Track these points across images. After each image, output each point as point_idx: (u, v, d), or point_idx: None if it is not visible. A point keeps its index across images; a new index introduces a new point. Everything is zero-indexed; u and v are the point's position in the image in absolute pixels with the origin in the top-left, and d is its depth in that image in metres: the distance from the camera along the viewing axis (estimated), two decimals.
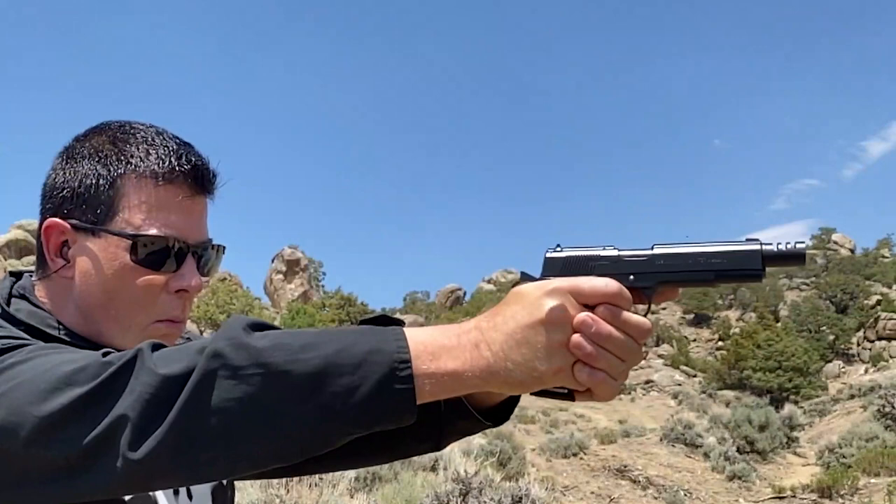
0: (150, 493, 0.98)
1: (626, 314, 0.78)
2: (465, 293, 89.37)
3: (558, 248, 0.86)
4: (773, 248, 0.81)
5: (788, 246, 0.81)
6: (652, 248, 0.84)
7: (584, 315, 0.77)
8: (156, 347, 0.77)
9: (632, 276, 0.83)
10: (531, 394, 0.82)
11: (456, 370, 0.75)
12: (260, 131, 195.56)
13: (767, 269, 0.82)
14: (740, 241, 0.83)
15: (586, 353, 0.76)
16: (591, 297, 0.78)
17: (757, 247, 0.81)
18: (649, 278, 0.83)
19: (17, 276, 1.06)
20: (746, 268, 0.81)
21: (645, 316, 0.81)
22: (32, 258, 1.06)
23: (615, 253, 0.84)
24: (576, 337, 0.76)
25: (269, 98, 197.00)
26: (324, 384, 0.72)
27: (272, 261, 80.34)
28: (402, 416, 0.74)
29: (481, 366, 0.75)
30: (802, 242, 0.81)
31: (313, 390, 0.72)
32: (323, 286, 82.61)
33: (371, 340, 0.74)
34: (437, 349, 0.75)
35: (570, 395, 0.82)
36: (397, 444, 1.05)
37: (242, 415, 0.71)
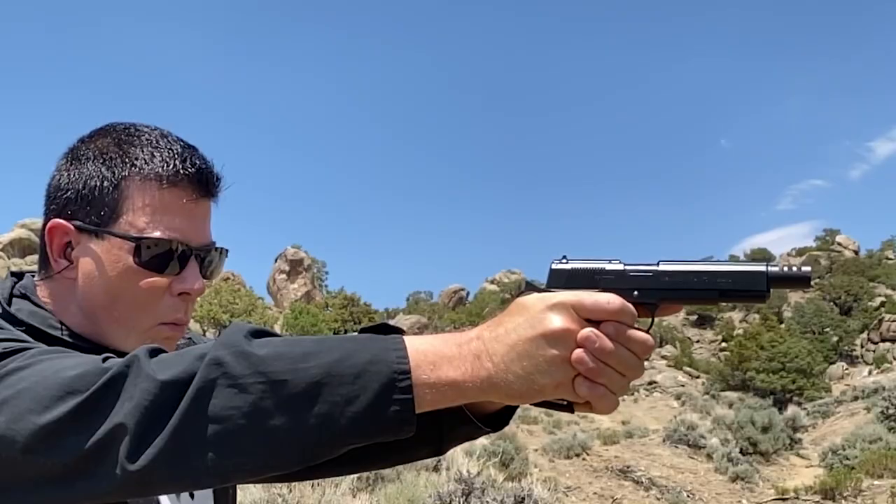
0: None
1: (630, 331, 0.78)
2: (468, 293, 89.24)
3: (564, 260, 0.86)
4: (779, 269, 0.81)
5: (794, 269, 0.81)
6: (658, 264, 0.83)
7: (588, 331, 0.77)
8: (153, 353, 0.77)
9: (636, 292, 0.82)
10: (530, 404, 0.82)
11: (456, 380, 0.75)
12: (264, 131, 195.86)
13: (772, 291, 0.82)
14: (746, 262, 0.83)
15: (588, 368, 0.77)
16: (594, 313, 0.78)
17: (762, 268, 0.81)
18: (653, 294, 0.83)
19: (18, 276, 1.06)
20: (751, 289, 0.81)
21: (647, 331, 0.80)
22: (36, 257, 1.06)
23: (620, 267, 0.84)
24: (578, 352, 0.76)
25: (274, 97, 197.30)
26: (323, 394, 0.72)
27: (275, 260, 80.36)
28: (402, 426, 0.74)
29: (482, 377, 0.76)
30: (808, 266, 0.82)
31: (312, 400, 0.72)
32: (326, 286, 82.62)
33: (371, 350, 0.75)
34: (438, 359, 0.76)
35: (569, 407, 0.82)
36: (398, 450, 1.04)
37: (242, 424, 0.71)
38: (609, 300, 0.78)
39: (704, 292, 0.82)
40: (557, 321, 0.77)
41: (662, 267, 0.83)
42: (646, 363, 0.80)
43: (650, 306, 0.83)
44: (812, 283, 0.82)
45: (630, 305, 0.79)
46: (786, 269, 0.81)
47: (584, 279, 0.84)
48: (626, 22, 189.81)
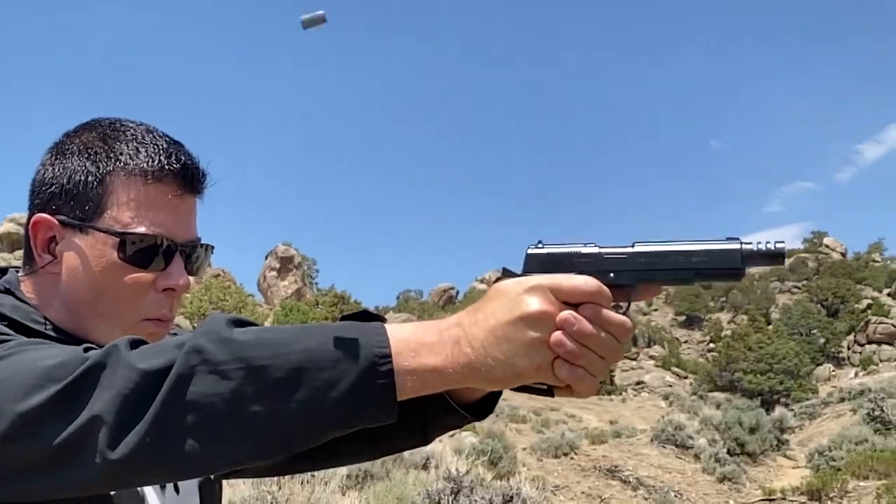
0: (137, 489, 0.98)
1: (608, 312, 0.78)
2: (457, 292, 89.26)
3: (540, 245, 0.86)
4: (753, 247, 0.81)
5: (769, 245, 0.81)
6: (633, 246, 0.83)
7: (567, 313, 0.77)
8: (134, 344, 0.77)
9: (612, 274, 0.82)
10: (510, 389, 0.82)
11: (437, 366, 0.75)
12: (255, 127, 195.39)
13: (748, 269, 0.82)
14: (720, 240, 0.82)
15: (567, 350, 0.76)
16: (571, 295, 0.78)
17: (737, 245, 0.81)
18: (630, 276, 0.83)
19: (2, 271, 1.06)
20: (726, 267, 0.81)
21: (625, 314, 0.81)
22: None
23: (596, 250, 0.84)
24: (557, 334, 0.76)
25: (265, 94, 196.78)
26: (304, 379, 0.72)
27: (266, 257, 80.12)
28: (384, 411, 0.74)
29: (462, 362, 0.76)
30: (782, 242, 0.82)
31: (294, 385, 0.72)
32: (316, 283, 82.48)
33: (352, 335, 0.75)
34: (418, 345, 0.76)
35: (549, 391, 0.82)
36: (383, 439, 1.05)
37: (223, 410, 0.71)
38: (586, 281, 0.78)
39: (681, 272, 0.82)
40: (535, 303, 0.77)
41: (637, 248, 0.83)
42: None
43: (627, 288, 0.83)
44: (786, 259, 0.81)
45: (606, 288, 0.79)
46: (760, 245, 0.81)
47: (560, 263, 0.83)
48: (616, 23, 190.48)
